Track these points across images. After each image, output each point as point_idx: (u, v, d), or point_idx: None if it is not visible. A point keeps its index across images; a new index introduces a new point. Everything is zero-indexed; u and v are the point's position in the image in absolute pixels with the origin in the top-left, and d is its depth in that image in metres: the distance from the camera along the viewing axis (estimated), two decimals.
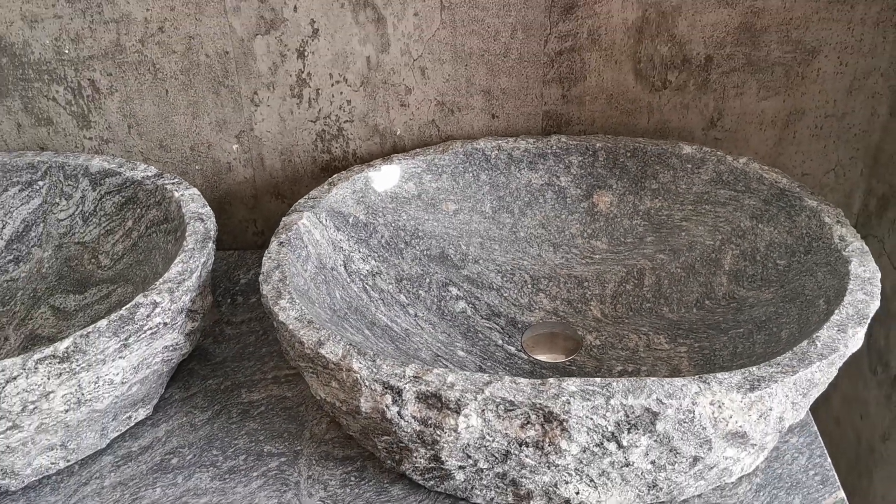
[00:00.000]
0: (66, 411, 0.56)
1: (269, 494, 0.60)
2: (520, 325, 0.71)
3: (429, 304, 0.71)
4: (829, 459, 0.61)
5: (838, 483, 0.59)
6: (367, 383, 0.52)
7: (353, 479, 0.61)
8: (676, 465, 0.54)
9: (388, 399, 0.52)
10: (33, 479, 0.61)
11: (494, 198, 0.76)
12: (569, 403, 0.50)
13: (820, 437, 0.63)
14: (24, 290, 0.75)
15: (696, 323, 0.68)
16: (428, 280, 0.72)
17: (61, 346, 0.55)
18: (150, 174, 0.73)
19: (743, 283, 0.68)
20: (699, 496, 0.59)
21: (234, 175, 0.81)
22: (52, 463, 0.61)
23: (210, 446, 0.64)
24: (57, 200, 0.76)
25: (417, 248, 0.73)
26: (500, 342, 0.70)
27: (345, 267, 0.69)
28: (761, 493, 0.59)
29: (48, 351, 0.54)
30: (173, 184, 0.71)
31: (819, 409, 0.92)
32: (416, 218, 0.74)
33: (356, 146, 0.79)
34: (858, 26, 0.72)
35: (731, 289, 0.68)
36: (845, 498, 0.59)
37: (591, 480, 0.55)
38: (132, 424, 0.65)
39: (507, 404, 0.50)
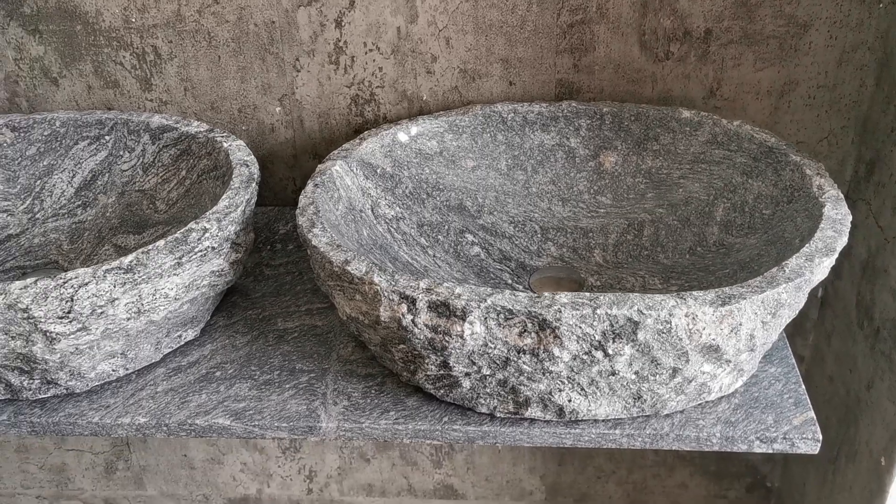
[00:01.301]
0: (128, 319, 0.65)
1: (299, 402, 0.68)
2: (528, 268, 0.79)
3: (446, 248, 0.79)
4: (803, 386, 0.68)
5: (810, 405, 0.66)
6: (386, 294, 0.60)
7: (373, 392, 0.69)
8: (658, 376, 0.61)
9: (404, 308, 0.60)
10: (96, 383, 0.70)
11: (509, 156, 0.83)
12: (560, 312, 0.57)
13: (797, 368, 0.70)
14: (91, 231, 0.85)
15: (687, 267, 0.75)
16: (446, 227, 0.80)
17: (126, 260, 0.63)
18: (202, 129, 0.82)
19: (732, 231, 0.75)
20: (682, 412, 0.66)
21: (277, 136, 0.90)
22: (112, 370, 0.70)
23: (249, 363, 0.73)
24: (121, 153, 0.86)
25: (438, 198, 0.81)
26: (509, 282, 0.77)
27: (372, 211, 0.77)
28: (738, 411, 0.66)
29: (115, 263, 0.63)
30: (223, 137, 0.80)
31: (813, 369, 0.97)
32: (437, 172, 0.82)
33: (386, 110, 0.87)
34: (846, 2, 0.78)
35: (721, 237, 0.75)
36: (815, 417, 0.65)
37: (582, 389, 0.62)
38: (182, 343, 0.74)
39: (506, 313, 0.58)
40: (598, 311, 0.57)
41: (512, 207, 0.83)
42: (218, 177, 0.79)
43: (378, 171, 0.79)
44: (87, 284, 0.62)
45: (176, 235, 0.66)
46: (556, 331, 0.58)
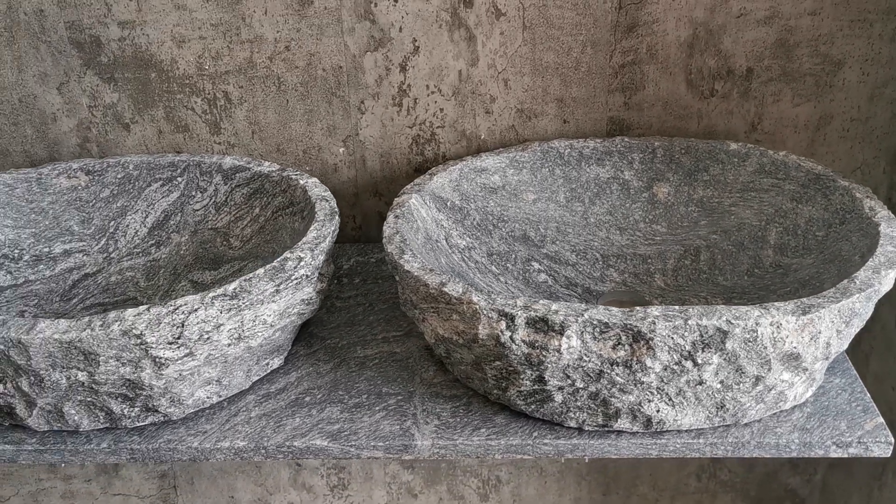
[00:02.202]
0: (229, 345, 0.68)
1: (391, 423, 0.71)
2: (594, 293, 0.83)
3: (516, 275, 0.83)
4: (868, 395, 0.72)
5: (878, 411, 0.70)
6: (485, 312, 0.64)
7: (461, 411, 0.72)
8: (741, 384, 0.64)
9: (503, 325, 0.64)
10: (191, 410, 0.72)
11: (567, 189, 0.88)
12: (654, 324, 0.61)
13: (860, 379, 0.74)
14: (166, 268, 0.88)
15: (747, 287, 0.80)
16: (514, 256, 0.84)
17: (230, 287, 0.67)
18: (274, 168, 0.86)
19: (787, 253, 0.79)
20: (759, 421, 0.69)
21: (339, 175, 0.94)
22: (207, 397, 0.72)
23: (336, 388, 0.75)
24: (193, 193, 0.89)
25: (503, 229, 0.85)
26: None
27: (446, 241, 0.81)
28: (812, 419, 0.69)
29: (220, 290, 0.66)
30: (296, 175, 0.84)
31: None
32: (501, 205, 0.86)
33: (446, 149, 0.92)
34: (877, 41, 0.85)
35: (777, 259, 0.80)
36: (884, 422, 0.69)
37: (670, 399, 0.65)
38: (269, 371, 0.77)
39: (602, 326, 0.62)
40: (690, 322, 0.61)
41: (573, 237, 0.87)
42: (296, 212, 0.82)
43: (448, 203, 0.83)
44: (196, 311, 0.65)
45: (273, 264, 0.70)
46: (650, 342, 0.61)
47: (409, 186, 0.82)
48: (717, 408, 0.67)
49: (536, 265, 0.85)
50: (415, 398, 0.74)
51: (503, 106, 0.90)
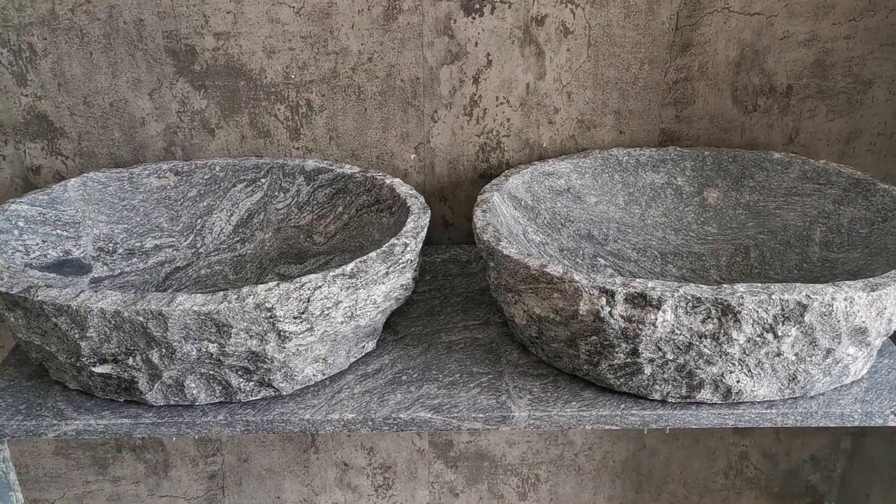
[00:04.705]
0: (342, 323, 0.73)
1: (488, 397, 0.77)
2: None
3: (586, 269, 0.90)
4: None
5: None
6: (586, 290, 0.70)
7: (550, 387, 0.78)
8: (814, 356, 0.72)
9: (603, 300, 0.70)
10: (298, 387, 0.77)
11: (626, 193, 0.96)
12: (742, 298, 0.68)
13: None
14: (252, 262, 0.93)
15: (798, 279, 0.87)
16: (581, 252, 0.91)
17: (348, 267, 0.72)
18: (356, 170, 0.93)
19: (833, 249, 0.88)
20: (823, 394, 0.76)
21: (409, 180, 1.00)
22: (314, 374, 0.77)
23: (429, 369, 0.81)
24: (276, 193, 0.95)
25: (570, 228, 0.93)
26: None
27: (524, 235, 0.88)
28: (869, 392, 0.77)
29: (339, 270, 0.72)
30: (380, 175, 0.91)
31: None
32: (567, 206, 0.94)
33: (510, 157, 0.99)
34: None
35: (824, 254, 0.88)
36: None
37: (749, 370, 0.72)
38: (363, 354, 0.82)
39: (694, 301, 0.69)
40: (773, 297, 0.68)
41: (632, 236, 0.94)
42: (383, 209, 0.88)
43: (522, 203, 0.90)
44: (320, 287, 0.70)
45: (383, 249, 0.75)
46: (738, 315, 0.68)
47: (487, 186, 0.89)
48: (790, 380, 0.74)
49: (602, 261, 0.92)
50: (505, 377, 0.80)
51: (565, 117, 0.97)
